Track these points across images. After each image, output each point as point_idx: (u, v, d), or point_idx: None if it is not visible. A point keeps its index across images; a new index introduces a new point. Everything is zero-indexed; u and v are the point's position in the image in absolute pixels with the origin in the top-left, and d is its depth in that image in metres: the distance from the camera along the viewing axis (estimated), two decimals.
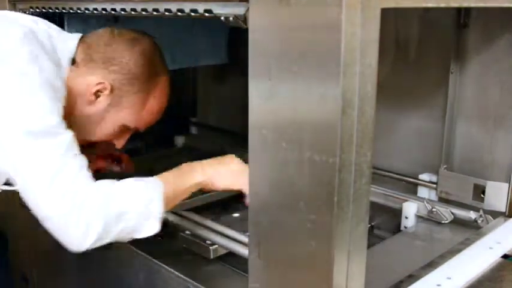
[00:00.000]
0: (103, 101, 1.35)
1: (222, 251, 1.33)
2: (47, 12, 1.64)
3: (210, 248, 1.32)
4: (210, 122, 2.46)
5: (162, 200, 1.20)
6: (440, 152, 1.66)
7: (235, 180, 1.33)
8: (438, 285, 1.20)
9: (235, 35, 2.15)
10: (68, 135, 1.17)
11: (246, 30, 0.97)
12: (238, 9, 1.03)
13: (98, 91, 1.34)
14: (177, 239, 1.41)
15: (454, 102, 1.62)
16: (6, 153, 1.15)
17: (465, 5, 1.21)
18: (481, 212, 1.52)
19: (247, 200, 1.05)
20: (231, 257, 1.33)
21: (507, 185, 1.52)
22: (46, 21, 1.42)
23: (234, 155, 1.40)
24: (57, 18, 1.70)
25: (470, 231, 1.49)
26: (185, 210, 1.48)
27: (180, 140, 2.42)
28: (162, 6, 1.22)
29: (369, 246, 1.01)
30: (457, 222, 1.55)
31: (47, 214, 1.15)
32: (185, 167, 1.34)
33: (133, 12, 1.31)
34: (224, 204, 1.76)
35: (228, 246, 1.30)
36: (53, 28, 1.41)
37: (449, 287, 1.21)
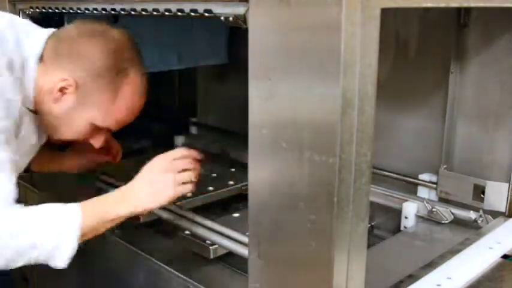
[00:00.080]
0: (69, 98, 1.29)
1: (222, 251, 1.33)
2: (47, 12, 1.64)
3: (210, 248, 1.32)
4: (210, 122, 2.46)
5: (76, 234, 1.14)
6: (440, 152, 1.66)
7: (160, 198, 1.25)
8: (438, 285, 1.20)
9: (235, 35, 2.15)
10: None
11: (246, 30, 0.97)
12: (238, 9, 1.03)
13: (63, 88, 1.28)
14: (177, 239, 1.41)
15: (454, 102, 1.61)
16: None
17: (465, 5, 1.21)
18: (481, 212, 1.52)
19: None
20: (231, 257, 1.33)
21: (507, 185, 1.52)
22: (14, 17, 1.39)
23: (161, 157, 1.29)
24: (57, 18, 1.70)
25: (470, 231, 1.49)
26: (185, 210, 1.48)
27: (180, 140, 2.42)
28: (161, 6, 1.22)
29: (369, 246, 1.01)
30: (457, 222, 1.55)
31: None
32: (113, 197, 1.25)
33: (133, 12, 1.31)
34: (224, 204, 1.76)
35: (228, 246, 1.30)
36: (21, 24, 1.37)
37: (449, 287, 1.21)
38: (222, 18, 1.07)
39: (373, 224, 1.67)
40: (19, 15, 1.73)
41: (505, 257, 1.36)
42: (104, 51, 1.28)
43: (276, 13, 0.91)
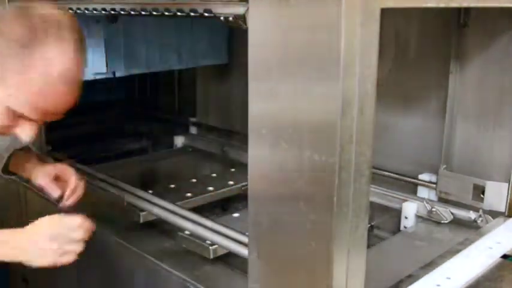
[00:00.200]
0: None
1: (222, 251, 1.33)
2: None
3: (210, 248, 1.32)
4: (210, 122, 2.46)
5: None
6: (440, 152, 1.66)
7: (39, 262, 1.19)
8: (438, 285, 1.20)
9: (235, 35, 2.15)
10: None
11: (246, 31, 0.97)
12: (238, 9, 1.02)
13: None
14: (177, 239, 1.41)
15: (454, 102, 1.62)
16: None
17: (465, 5, 1.21)
18: (481, 212, 1.52)
19: None
20: (231, 257, 1.33)
21: (507, 185, 1.52)
22: None
23: (53, 221, 1.22)
24: None
25: (470, 231, 1.49)
26: (185, 210, 1.48)
27: (180, 140, 2.42)
28: (161, 6, 1.22)
29: (369, 246, 1.01)
30: (456, 222, 1.56)
31: None
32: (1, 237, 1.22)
33: (132, 12, 1.31)
34: (224, 204, 1.76)
35: (228, 246, 1.30)
36: None
37: (449, 287, 1.21)
38: (221, 18, 1.07)
39: (373, 224, 1.67)
40: None
41: (504, 256, 1.36)
42: (17, 23, 1.09)
43: (275, 13, 0.91)
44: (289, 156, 0.94)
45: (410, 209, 1.61)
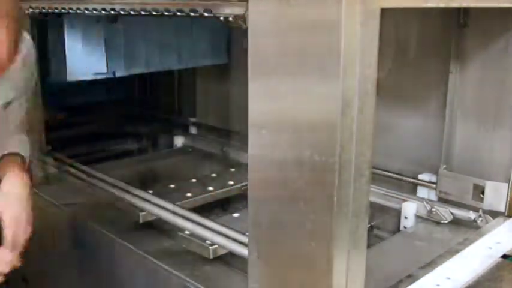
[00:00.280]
0: None
1: (222, 251, 1.33)
2: (46, 12, 1.64)
3: (210, 248, 1.32)
4: (210, 122, 2.46)
5: None
6: (439, 152, 1.66)
7: None
8: (437, 285, 1.20)
9: (235, 35, 2.15)
10: None
11: (246, 30, 0.97)
12: (238, 9, 1.02)
13: None
14: (177, 239, 1.41)
15: (454, 102, 1.62)
16: None
17: (465, 5, 1.21)
18: (481, 212, 1.52)
19: None
20: (230, 257, 1.33)
21: (506, 185, 1.52)
22: None
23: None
24: (57, 18, 1.71)
25: (470, 231, 1.49)
26: (185, 210, 1.48)
27: (179, 140, 2.42)
28: (161, 6, 1.22)
29: (369, 246, 1.01)
30: (456, 222, 1.55)
31: None
32: None
33: (132, 12, 1.31)
34: (224, 204, 1.76)
35: (228, 246, 1.30)
36: None
37: (449, 287, 1.21)
38: (221, 18, 1.07)
39: (372, 224, 1.67)
40: None
41: (504, 256, 1.36)
42: None
43: (275, 13, 0.91)
44: (289, 156, 0.93)
45: (410, 209, 1.61)
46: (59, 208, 1.68)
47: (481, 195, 1.56)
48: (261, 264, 1.04)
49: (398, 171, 1.75)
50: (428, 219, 1.59)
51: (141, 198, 1.56)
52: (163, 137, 2.49)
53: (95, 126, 2.62)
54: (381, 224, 1.69)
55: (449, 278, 1.23)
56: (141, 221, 1.51)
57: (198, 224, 1.39)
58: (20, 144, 1.40)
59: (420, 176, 1.71)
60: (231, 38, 2.19)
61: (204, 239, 1.35)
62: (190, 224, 1.40)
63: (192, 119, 2.51)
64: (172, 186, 1.82)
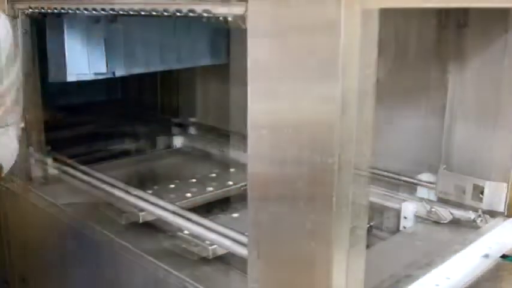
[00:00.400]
0: None
1: (222, 251, 1.33)
2: (46, 12, 1.64)
3: (210, 248, 1.32)
4: (209, 123, 2.46)
5: None
6: (439, 152, 1.66)
7: None
8: (437, 285, 1.21)
9: (235, 35, 2.15)
10: None
11: (245, 31, 0.97)
12: (237, 9, 1.02)
13: None
14: (176, 238, 1.41)
15: (453, 102, 1.62)
16: None
17: (465, 5, 1.22)
18: (480, 212, 1.52)
19: None
20: (230, 257, 1.33)
21: (506, 184, 1.53)
22: None
23: None
24: (57, 18, 1.70)
25: (469, 231, 1.49)
26: (184, 210, 1.48)
27: (179, 140, 2.42)
28: (160, 7, 1.22)
29: (368, 246, 1.01)
30: (456, 222, 1.55)
31: None
32: None
33: (131, 12, 1.31)
34: (223, 205, 1.76)
35: (227, 246, 1.30)
36: None
37: (448, 287, 1.21)
38: (220, 18, 1.07)
39: (372, 224, 1.67)
40: (18, 16, 1.73)
41: (503, 256, 1.36)
42: None
43: (275, 13, 0.91)
44: (288, 157, 0.94)
45: (409, 209, 1.61)
46: (58, 208, 1.68)
47: (481, 195, 1.56)
48: (261, 264, 1.04)
49: (398, 171, 1.75)
50: (428, 219, 1.59)
51: (140, 198, 1.56)
52: (163, 137, 2.48)
53: (94, 126, 2.62)
54: (381, 224, 1.69)
55: (448, 278, 1.23)
56: (140, 221, 1.51)
57: (197, 224, 1.39)
58: None
59: (420, 176, 1.71)
60: (230, 38, 2.19)
61: (203, 239, 1.35)
62: (189, 224, 1.40)
63: (192, 119, 2.51)
64: (171, 186, 1.82)
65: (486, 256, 1.35)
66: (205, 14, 1.12)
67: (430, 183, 1.68)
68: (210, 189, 1.80)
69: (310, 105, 0.89)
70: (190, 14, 1.16)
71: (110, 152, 2.46)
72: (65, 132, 2.41)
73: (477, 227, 1.51)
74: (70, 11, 1.53)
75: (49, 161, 1.88)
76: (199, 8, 1.13)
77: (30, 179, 1.86)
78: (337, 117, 0.86)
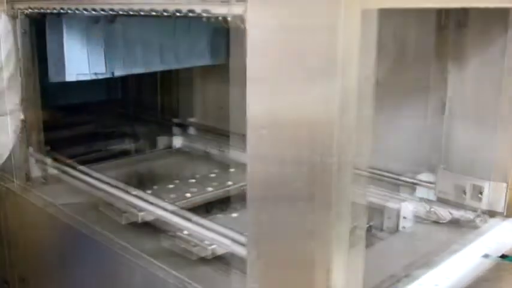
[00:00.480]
0: None
1: (221, 251, 1.33)
2: (45, 12, 1.64)
3: (209, 248, 1.32)
4: (208, 123, 2.46)
5: None
6: (438, 152, 1.66)
7: None
8: (436, 285, 1.21)
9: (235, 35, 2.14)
10: None
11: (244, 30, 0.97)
12: (236, 9, 1.02)
13: None
14: (175, 238, 1.41)
15: (453, 102, 1.62)
16: None
17: (465, 5, 1.22)
18: (479, 212, 1.53)
19: None
20: (229, 257, 1.33)
21: (505, 185, 1.53)
22: None
23: None
24: (56, 18, 1.70)
25: (469, 231, 1.50)
26: (183, 210, 1.48)
27: (178, 141, 2.42)
28: (159, 7, 1.22)
29: (367, 246, 1.01)
30: (455, 222, 1.55)
31: None
32: None
33: (131, 13, 1.31)
34: (223, 205, 1.76)
35: (227, 246, 1.30)
36: None
37: (447, 286, 1.21)
38: (220, 18, 1.07)
39: (371, 224, 1.67)
40: (17, 16, 1.73)
41: (503, 256, 1.36)
42: None
43: (274, 13, 0.92)
44: (287, 157, 0.94)
45: (408, 209, 1.61)
46: (58, 208, 1.68)
47: (480, 195, 1.56)
48: (260, 264, 1.04)
49: (397, 171, 1.75)
50: (427, 219, 1.59)
51: (139, 198, 1.57)
52: (162, 138, 2.48)
53: (93, 126, 2.62)
54: (380, 224, 1.69)
55: (448, 278, 1.23)
56: (139, 221, 1.51)
57: (197, 224, 1.39)
58: None
59: (419, 176, 1.71)
60: (229, 38, 2.19)
61: (202, 239, 1.35)
62: (188, 224, 1.40)
63: (191, 119, 2.51)
64: (170, 186, 1.83)
65: (485, 256, 1.35)
66: (204, 14, 1.12)
67: (430, 183, 1.68)
68: (210, 189, 1.80)
69: (309, 105, 0.89)
70: (190, 14, 1.16)
71: (109, 152, 2.46)
72: (65, 132, 2.42)
73: (476, 227, 1.51)
74: (69, 11, 1.53)
75: (49, 161, 1.88)
76: (198, 8, 1.13)
77: (30, 179, 1.86)
78: (336, 117, 0.86)
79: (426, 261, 1.30)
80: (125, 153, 2.50)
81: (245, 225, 1.08)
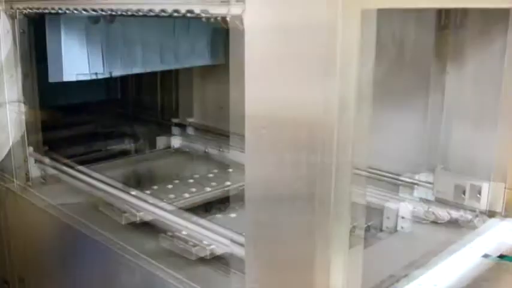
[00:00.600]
0: None
1: (219, 251, 1.33)
2: (43, 12, 1.64)
3: (207, 248, 1.32)
4: (207, 123, 2.46)
5: None
6: (436, 153, 1.66)
7: None
8: (435, 285, 1.21)
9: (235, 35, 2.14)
10: None
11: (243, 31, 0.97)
12: (235, 10, 1.02)
13: None
14: (174, 239, 1.41)
15: (451, 102, 1.62)
16: None
17: (464, 5, 1.22)
18: (477, 212, 1.53)
19: None
20: (228, 257, 1.33)
21: (503, 185, 1.53)
22: None
23: None
24: (54, 18, 1.71)
25: (467, 231, 1.50)
26: (182, 210, 1.48)
27: (177, 141, 2.42)
28: (157, 7, 1.22)
29: (366, 246, 1.01)
30: (453, 222, 1.56)
31: None
32: None
33: (129, 13, 1.31)
34: (221, 205, 1.76)
35: (225, 246, 1.30)
36: None
37: (446, 287, 1.21)
38: (218, 18, 1.07)
39: (369, 224, 1.67)
40: (16, 15, 1.73)
41: (501, 256, 1.36)
42: None
43: (272, 13, 0.92)
44: (286, 157, 0.94)
45: (407, 209, 1.61)
46: (57, 208, 1.68)
47: (478, 195, 1.56)
48: (258, 265, 1.04)
49: (396, 171, 1.75)
50: (426, 219, 1.59)
51: (137, 198, 1.57)
52: (160, 138, 2.48)
53: (91, 127, 2.62)
54: (378, 225, 1.69)
55: (446, 278, 1.23)
56: (138, 221, 1.51)
57: (195, 224, 1.39)
58: None
59: (417, 176, 1.71)
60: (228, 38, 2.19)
61: (201, 239, 1.35)
62: (187, 224, 1.40)
63: (189, 120, 2.50)
64: (169, 186, 1.83)
65: (484, 256, 1.35)
66: (203, 15, 1.12)
67: (428, 183, 1.68)
68: (209, 189, 1.80)
69: (308, 105, 0.89)
70: (189, 15, 1.16)
71: (108, 152, 2.47)
72: (65, 132, 2.42)
73: (475, 227, 1.51)
74: (68, 11, 1.53)
75: (48, 161, 1.89)
76: (197, 8, 1.13)
77: (30, 179, 1.87)
78: (335, 117, 0.86)
79: (424, 261, 1.30)
80: (124, 153, 2.50)
81: (244, 225, 1.08)
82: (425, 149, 1.71)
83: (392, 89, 1.72)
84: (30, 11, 1.68)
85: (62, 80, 1.80)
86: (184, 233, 1.39)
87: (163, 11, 1.21)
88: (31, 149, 1.87)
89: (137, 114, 2.75)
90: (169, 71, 2.47)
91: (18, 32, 1.74)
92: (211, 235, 1.34)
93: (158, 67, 2.11)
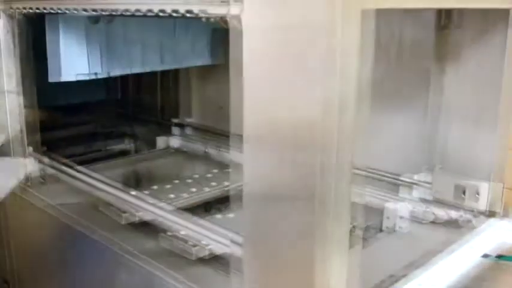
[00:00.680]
0: None
1: (218, 251, 1.33)
2: (42, 12, 1.64)
3: (206, 248, 1.32)
4: (208, 123, 2.46)
5: None
6: (435, 152, 1.66)
7: None
8: (433, 285, 1.21)
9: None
10: None
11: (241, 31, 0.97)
12: (233, 10, 1.03)
13: None
14: (172, 239, 1.41)
15: (450, 102, 1.62)
16: None
17: (463, 5, 1.22)
18: (476, 212, 1.53)
19: None
20: (228, 257, 1.33)
21: (501, 185, 1.53)
22: None
23: None
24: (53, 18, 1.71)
25: (465, 231, 1.50)
26: (180, 210, 1.48)
27: (175, 141, 2.42)
28: (156, 7, 1.22)
29: (365, 246, 1.01)
30: (452, 222, 1.56)
31: None
32: None
33: (128, 13, 1.31)
34: (219, 205, 1.77)
35: (223, 246, 1.30)
36: None
37: (444, 287, 1.21)
38: (217, 19, 1.07)
39: (368, 224, 1.67)
40: (15, 15, 1.73)
41: (499, 257, 1.36)
42: None
43: (271, 14, 0.92)
44: (285, 157, 0.94)
45: (404, 210, 1.61)
46: (56, 208, 1.68)
47: (477, 196, 1.56)
48: (256, 265, 1.04)
49: (394, 171, 1.75)
50: (424, 219, 1.59)
51: (136, 198, 1.57)
52: (160, 138, 2.48)
53: (90, 127, 2.62)
54: (376, 225, 1.69)
55: (444, 278, 1.23)
56: (137, 221, 1.51)
57: (194, 224, 1.39)
58: None
59: (415, 177, 1.71)
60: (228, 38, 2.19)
61: (199, 239, 1.35)
62: (187, 224, 1.40)
63: (188, 120, 2.50)
64: (168, 186, 1.83)
65: (483, 256, 1.35)
66: (201, 15, 1.12)
67: (426, 183, 1.68)
68: (208, 189, 1.80)
69: (307, 106, 0.89)
70: (188, 15, 1.16)
71: (108, 152, 2.47)
72: (64, 132, 2.42)
73: (474, 227, 1.51)
74: (67, 11, 1.53)
75: (47, 161, 1.89)
76: (196, 8, 1.13)
77: (29, 179, 1.86)
78: (335, 118, 0.86)
79: (422, 261, 1.30)
80: (123, 153, 2.50)
81: (243, 225, 1.08)
82: (424, 148, 1.71)
83: (392, 89, 1.72)
84: (30, 10, 1.67)
85: (61, 79, 1.80)
86: (183, 233, 1.39)
87: (162, 11, 1.21)
88: (30, 148, 1.87)
89: (137, 114, 2.75)
90: (169, 71, 2.47)
91: (17, 32, 1.74)
92: (211, 235, 1.34)
93: (158, 67, 2.11)
